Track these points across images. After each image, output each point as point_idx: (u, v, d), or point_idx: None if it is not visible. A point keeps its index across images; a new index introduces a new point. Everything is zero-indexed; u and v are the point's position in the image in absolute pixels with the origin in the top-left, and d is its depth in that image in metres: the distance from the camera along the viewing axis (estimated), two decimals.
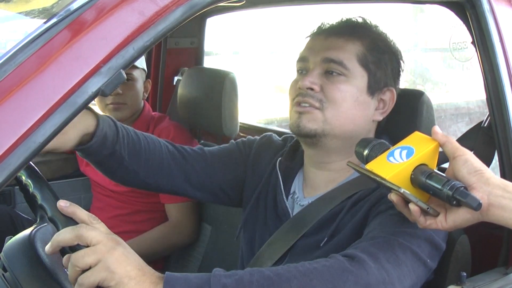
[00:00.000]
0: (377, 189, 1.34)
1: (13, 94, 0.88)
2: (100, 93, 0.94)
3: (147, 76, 2.65)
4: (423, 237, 1.21)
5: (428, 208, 1.09)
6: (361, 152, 1.20)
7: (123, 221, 2.45)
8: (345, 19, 1.52)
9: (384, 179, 1.09)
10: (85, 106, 0.94)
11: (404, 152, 1.12)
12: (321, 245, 1.35)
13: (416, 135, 1.17)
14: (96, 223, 1.05)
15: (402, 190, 1.08)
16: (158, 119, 2.51)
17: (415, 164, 1.11)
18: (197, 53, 2.83)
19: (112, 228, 2.61)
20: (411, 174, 1.10)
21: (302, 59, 1.47)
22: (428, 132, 1.51)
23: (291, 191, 1.53)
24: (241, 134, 2.57)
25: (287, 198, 1.51)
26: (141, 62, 2.51)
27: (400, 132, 1.52)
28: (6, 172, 0.87)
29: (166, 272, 1.04)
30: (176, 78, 2.80)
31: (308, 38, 1.52)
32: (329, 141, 1.42)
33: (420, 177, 1.09)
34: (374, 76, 1.44)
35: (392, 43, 1.51)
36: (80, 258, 1.00)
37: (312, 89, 1.40)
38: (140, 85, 2.46)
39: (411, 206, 1.10)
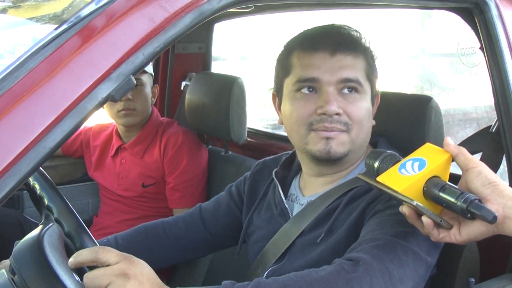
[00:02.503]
0: None
1: (23, 100, 0.89)
2: (110, 99, 0.95)
3: (155, 81, 2.66)
4: (422, 236, 1.19)
5: (441, 221, 1.07)
6: (372, 164, 1.17)
7: (131, 225, 2.44)
8: (329, 28, 1.47)
9: (397, 192, 1.07)
10: (95, 111, 0.95)
11: (416, 164, 1.10)
12: (318, 241, 1.37)
13: (428, 147, 1.14)
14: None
15: (415, 203, 1.06)
16: (167, 124, 2.52)
17: (427, 176, 1.08)
18: (205, 58, 2.84)
19: None
20: (424, 187, 1.08)
21: (310, 80, 1.39)
22: (437, 137, 1.51)
23: (289, 193, 1.56)
24: (249, 140, 2.57)
25: (286, 200, 1.53)
26: (148, 67, 2.52)
27: (409, 138, 1.53)
28: (17, 177, 0.88)
29: None
30: (184, 83, 2.81)
31: (296, 51, 1.44)
32: (348, 157, 1.42)
33: (433, 189, 1.07)
34: (373, 85, 1.46)
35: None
36: (92, 279, 1.03)
37: (338, 114, 1.37)
38: (148, 90, 2.47)
39: (424, 219, 1.07)
